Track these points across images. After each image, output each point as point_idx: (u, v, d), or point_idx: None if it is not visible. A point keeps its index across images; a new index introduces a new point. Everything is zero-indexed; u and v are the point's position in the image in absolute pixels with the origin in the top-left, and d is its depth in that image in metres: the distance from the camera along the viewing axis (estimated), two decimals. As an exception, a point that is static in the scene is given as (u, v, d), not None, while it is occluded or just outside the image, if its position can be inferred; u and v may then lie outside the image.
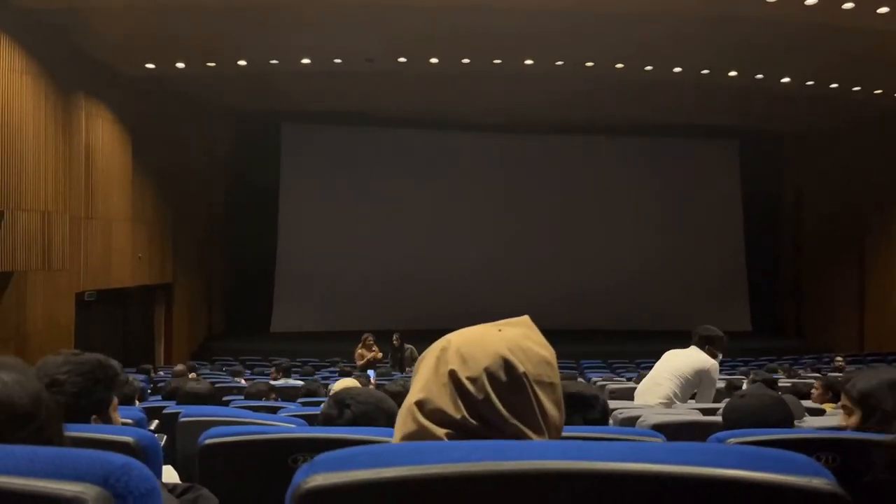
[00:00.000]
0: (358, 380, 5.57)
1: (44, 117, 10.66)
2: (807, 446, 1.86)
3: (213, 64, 12.97)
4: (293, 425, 2.60)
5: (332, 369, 11.33)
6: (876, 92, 14.02)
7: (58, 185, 10.92)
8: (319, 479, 0.74)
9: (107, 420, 1.85)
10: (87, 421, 1.79)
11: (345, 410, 2.16)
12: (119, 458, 0.76)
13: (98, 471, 0.74)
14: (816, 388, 5.51)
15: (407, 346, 12.33)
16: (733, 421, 2.33)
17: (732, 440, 1.77)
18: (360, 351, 11.93)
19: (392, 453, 0.78)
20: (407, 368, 11.97)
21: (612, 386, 7.08)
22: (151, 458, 1.87)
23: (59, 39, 11.04)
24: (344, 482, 0.73)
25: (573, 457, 0.76)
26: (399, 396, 3.30)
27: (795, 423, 2.71)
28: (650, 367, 5.16)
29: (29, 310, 10.79)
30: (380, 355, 12.05)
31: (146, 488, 0.75)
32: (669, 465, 0.73)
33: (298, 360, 12.97)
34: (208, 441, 1.96)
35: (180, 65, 12.91)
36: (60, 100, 11.12)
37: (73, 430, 1.22)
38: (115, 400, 1.88)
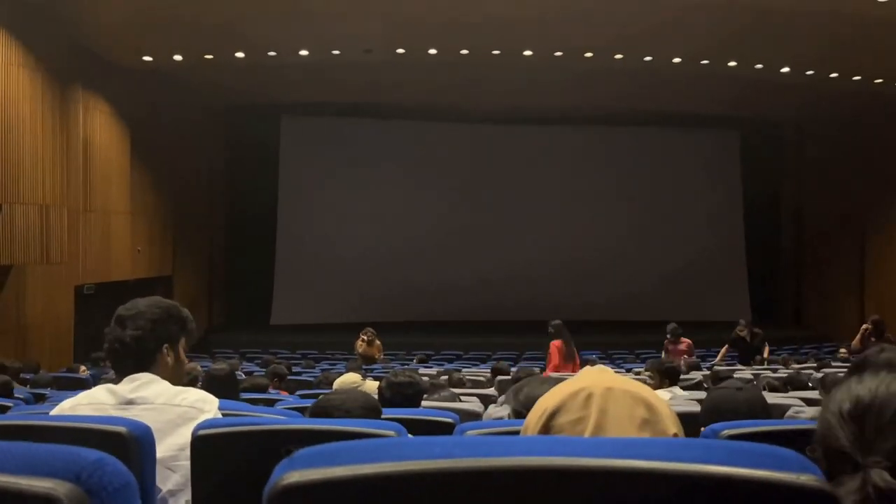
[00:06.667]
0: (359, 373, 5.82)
1: (41, 110, 10.60)
2: (796, 437, 1.84)
3: (210, 56, 12.91)
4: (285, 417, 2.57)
5: (331, 361, 11.29)
6: (877, 81, 13.96)
7: (56, 178, 10.88)
8: (296, 476, 0.72)
9: (176, 354, 2.16)
10: (160, 349, 2.11)
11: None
12: (92, 454, 0.74)
13: (70, 467, 0.73)
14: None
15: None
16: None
17: (726, 432, 1.75)
18: (359, 343, 11.64)
19: (373, 450, 0.75)
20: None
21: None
22: (144, 448, 1.85)
23: (55, 31, 10.97)
24: (321, 479, 0.71)
25: (558, 453, 0.74)
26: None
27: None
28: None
29: (28, 303, 10.78)
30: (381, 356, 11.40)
31: (120, 483, 0.74)
32: (656, 462, 0.71)
33: (298, 352, 12.95)
34: (201, 432, 1.95)
35: (178, 57, 12.86)
36: (57, 92, 11.06)
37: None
38: (184, 340, 2.20)
